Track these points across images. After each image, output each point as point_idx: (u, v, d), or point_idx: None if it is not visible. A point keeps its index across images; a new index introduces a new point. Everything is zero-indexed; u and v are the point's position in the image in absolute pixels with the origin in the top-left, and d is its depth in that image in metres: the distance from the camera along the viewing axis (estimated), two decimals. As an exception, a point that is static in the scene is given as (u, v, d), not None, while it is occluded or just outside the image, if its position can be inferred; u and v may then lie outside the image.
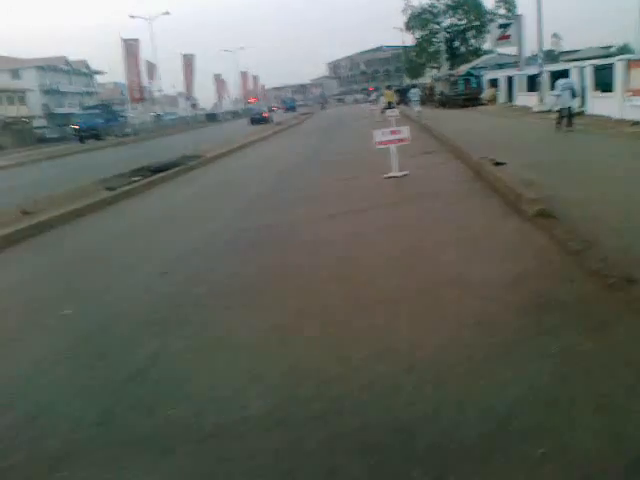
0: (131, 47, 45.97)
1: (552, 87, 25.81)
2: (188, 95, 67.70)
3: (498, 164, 10.51)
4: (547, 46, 60.54)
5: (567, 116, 15.89)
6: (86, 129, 44.34)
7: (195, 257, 6.86)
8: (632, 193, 7.30)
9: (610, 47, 70.01)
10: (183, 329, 4.54)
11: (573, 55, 57.99)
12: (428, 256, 5.69)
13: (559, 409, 2.82)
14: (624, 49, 65.18)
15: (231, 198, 11.14)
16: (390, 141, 11.04)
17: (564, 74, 24.08)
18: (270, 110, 64.60)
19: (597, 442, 2.54)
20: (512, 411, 2.86)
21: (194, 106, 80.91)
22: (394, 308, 4.39)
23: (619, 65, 18.16)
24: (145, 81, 53.93)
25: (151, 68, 56.97)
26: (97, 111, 48.71)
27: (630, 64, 17.59)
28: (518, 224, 6.37)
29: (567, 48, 79.22)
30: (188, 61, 62.40)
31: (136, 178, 16.51)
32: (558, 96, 16.20)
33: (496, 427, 2.75)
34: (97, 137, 44.25)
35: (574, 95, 16.26)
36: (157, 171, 17.58)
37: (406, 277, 5.11)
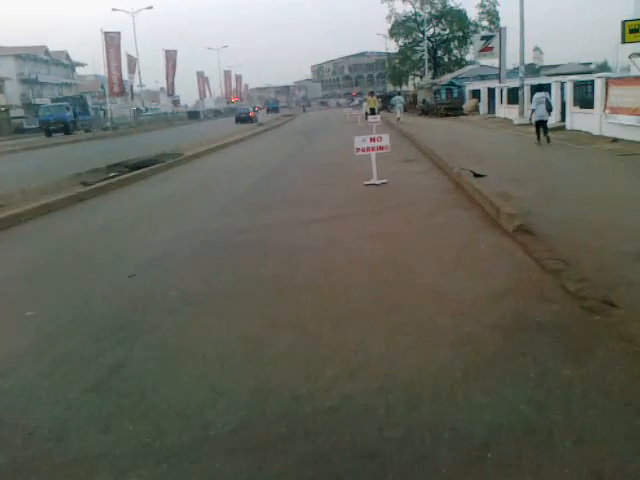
0: (112, 40, 45.28)
1: (531, 100, 26.35)
2: (170, 91, 67.02)
3: (478, 176, 10.51)
4: (528, 60, 61.51)
5: (543, 129, 16.38)
6: (53, 122, 42.65)
7: (166, 259, 6.65)
8: (611, 211, 7.30)
9: (590, 64, 71.42)
10: (149, 337, 4.35)
11: (554, 70, 58.99)
12: (405, 267, 5.58)
13: (537, 439, 2.71)
14: (603, 67, 66.54)
15: (206, 199, 10.94)
16: (370, 148, 10.95)
17: (545, 88, 24.39)
18: (254, 110, 65.56)
19: (576, 477, 2.44)
20: (488, 439, 2.74)
21: (175, 103, 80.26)
22: (368, 323, 4.26)
23: (599, 82, 18.38)
24: (125, 75, 53.24)
25: (132, 62, 56.19)
26: (66, 103, 46.63)
27: (609, 82, 17.81)
28: (496, 238, 6.31)
29: (548, 62, 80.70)
30: (170, 57, 61.78)
31: (112, 174, 16.23)
32: (533, 110, 16.68)
33: (471, 457, 2.63)
34: (66, 131, 42.57)
35: (549, 109, 16.66)
36: (134, 168, 17.28)
37: (382, 289, 4.98)
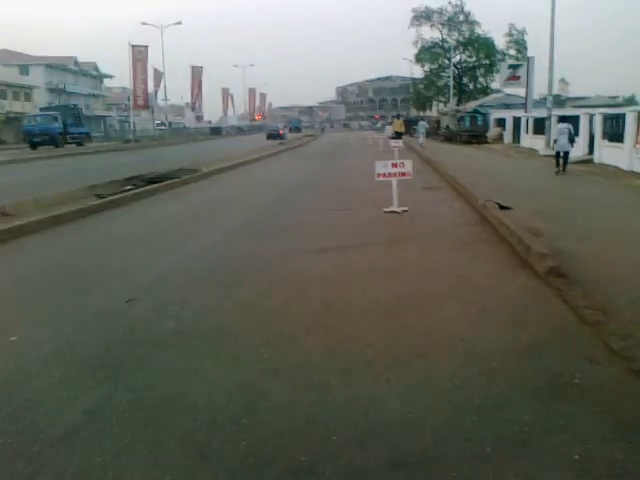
0: (140, 53, 45.74)
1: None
2: (193, 106, 67.55)
3: (503, 208, 9.98)
4: (554, 91, 60.83)
5: (564, 159, 16.49)
6: (38, 133, 38.05)
7: (168, 285, 6.21)
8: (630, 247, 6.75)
9: (617, 97, 70.70)
10: (135, 378, 3.88)
11: (580, 102, 58.38)
12: (425, 310, 5.05)
13: None
14: (630, 100, 65.75)
15: (218, 220, 10.50)
16: (391, 174, 10.50)
17: (569, 119, 23.85)
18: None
19: None
20: None
21: (199, 118, 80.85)
22: (383, 376, 3.74)
23: (631, 116, 17.79)
24: (150, 88, 53.71)
25: (158, 76, 56.73)
26: (55, 113, 41.56)
27: (641, 116, 17.22)
28: (526, 281, 5.77)
29: (573, 94, 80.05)
30: (196, 73, 62.35)
31: (128, 187, 15.97)
32: (556, 140, 16.95)
33: None
34: (54, 144, 38.21)
35: (572, 140, 16.76)
36: (150, 182, 17.04)
37: (398, 335, 4.46)
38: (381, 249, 7.59)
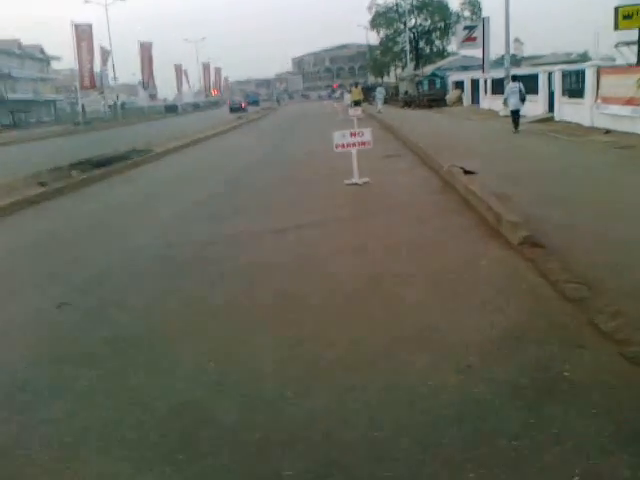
0: (83, 32, 43.44)
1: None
2: (146, 85, 65.19)
3: (468, 173, 9.52)
4: (509, 51, 60.54)
5: (516, 117, 17.04)
6: None
7: (106, 283, 5.55)
8: (625, 216, 6.34)
9: (570, 54, 70.95)
10: (53, 405, 3.27)
11: (536, 60, 58.35)
12: (393, 297, 4.52)
13: None
14: (584, 57, 66.10)
15: (168, 203, 9.79)
16: (351, 144, 9.90)
17: (532, 78, 23.54)
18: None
19: None
20: None
21: (152, 96, 78.28)
22: (345, 382, 3.22)
23: (590, 72, 17.50)
24: (98, 68, 51.55)
25: (105, 55, 54.38)
26: None
27: (601, 71, 16.94)
28: (500, 254, 5.30)
29: (528, 54, 79.94)
30: (145, 49, 59.91)
31: (74, 173, 15.01)
32: (506, 99, 17.62)
33: None
34: None
35: (523, 99, 17.27)
36: (99, 165, 16.08)
37: (363, 330, 3.93)
38: (343, 226, 7.04)
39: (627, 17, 15.80)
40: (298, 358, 3.59)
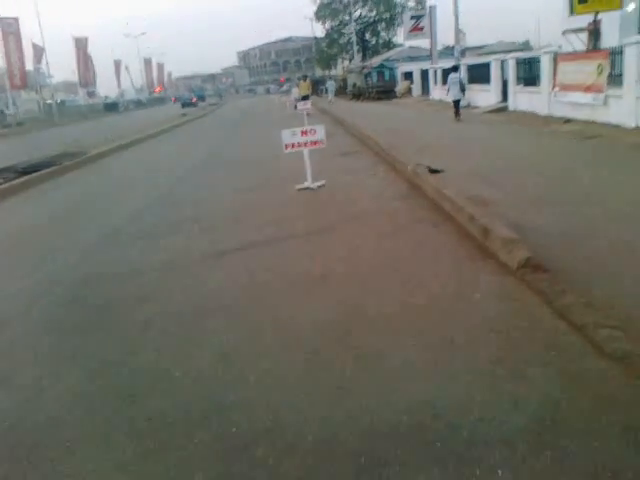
0: (9, 26, 40.26)
1: (470, 81, 24.85)
2: (83, 82, 61.95)
3: (434, 172, 8.54)
4: (452, 41, 60.42)
5: (456, 107, 17.60)
6: None
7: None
8: (625, 217, 5.42)
9: (515, 43, 71.76)
10: None
11: (481, 50, 58.46)
12: (370, 357, 3.36)
13: None
14: (527, 45, 66.91)
15: (93, 218, 8.38)
16: (302, 144, 8.73)
17: (484, 66, 22.91)
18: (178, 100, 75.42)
19: None
20: None
21: (90, 94, 74.73)
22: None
23: (546, 58, 16.89)
24: (30, 65, 48.31)
25: (38, 52, 51.14)
26: None
27: (558, 58, 16.32)
28: (496, 282, 4.23)
29: (471, 44, 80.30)
30: (81, 45, 56.76)
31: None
32: (448, 89, 18.04)
33: None
34: None
35: (462, 89, 18.07)
36: (24, 173, 14.39)
37: (337, 416, 2.79)
38: (297, 246, 5.86)
39: (583, 2, 15.15)
40: (232, 451, 2.42)
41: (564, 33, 23.83)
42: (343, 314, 3.95)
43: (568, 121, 14.75)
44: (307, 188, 8.78)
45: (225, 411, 2.94)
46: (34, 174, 14.02)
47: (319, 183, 8.85)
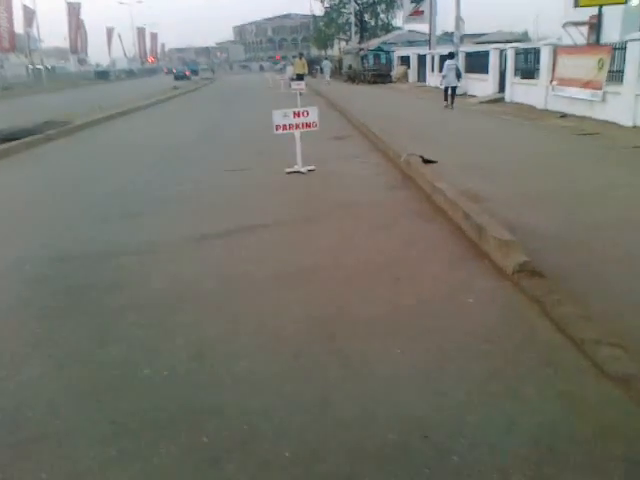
0: (-1, -14, 39.27)
1: (467, 70, 24.51)
2: (74, 48, 60.63)
3: (427, 162, 8.31)
4: (451, 28, 59.75)
5: (451, 95, 17.76)
6: None
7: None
8: (631, 220, 5.24)
9: (515, 33, 71.24)
10: None
11: (479, 38, 57.96)
12: (349, 361, 3.14)
13: None
14: (525, 36, 66.50)
15: (72, 194, 8.03)
16: (293, 125, 8.43)
17: (483, 56, 22.57)
18: (170, 72, 74.26)
19: None
20: None
21: (82, 61, 73.25)
22: None
23: (546, 51, 16.59)
24: (20, 28, 47.08)
25: (29, 14, 49.83)
26: None
27: (558, 51, 16.04)
28: (490, 287, 4.01)
29: (469, 32, 79.55)
30: (73, 10, 55.41)
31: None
32: (444, 76, 17.93)
33: None
34: None
35: (459, 76, 18.12)
36: (5, 140, 13.92)
37: (310, 419, 2.58)
38: (282, 234, 5.61)
39: (588, -6, 14.86)
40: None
41: (564, 26, 23.54)
42: (328, 313, 3.72)
43: (564, 116, 14.56)
44: (297, 172, 8.51)
45: (196, 417, 2.71)
46: (18, 141, 13.58)
47: (309, 167, 8.58)
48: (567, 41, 20.94)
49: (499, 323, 3.46)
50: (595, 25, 18.07)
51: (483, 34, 69.83)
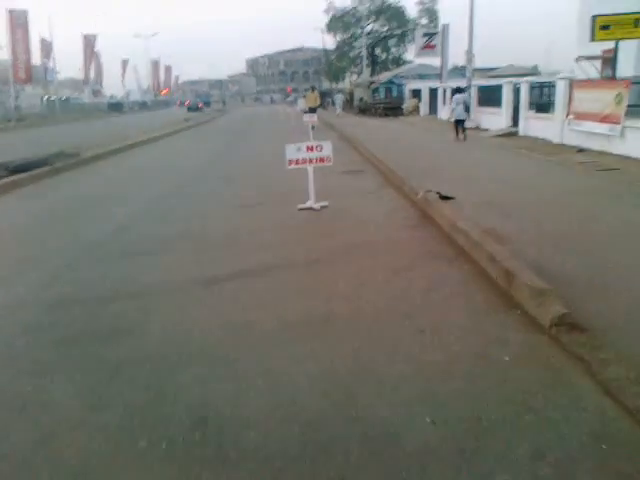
0: (18, 18, 39.88)
1: (480, 103, 24.43)
2: (87, 80, 61.55)
3: (444, 198, 7.99)
4: (461, 62, 60.18)
5: (461, 128, 17.96)
6: None
7: None
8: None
9: (523, 67, 71.70)
10: None
11: (491, 72, 58.33)
12: (373, 433, 2.74)
13: None
14: (534, 70, 66.94)
15: (75, 231, 7.74)
16: (307, 160, 8.17)
17: (495, 89, 22.48)
18: (183, 104, 77.26)
19: None
20: None
21: (96, 93, 74.34)
22: None
23: (561, 84, 16.40)
24: (37, 60, 47.84)
25: (46, 46, 50.72)
26: None
27: (573, 85, 15.84)
28: (526, 342, 3.62)
29: (479, 66, 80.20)
30: (89, 42, 56.38)
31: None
32: (453, 109, 18.20)
33: None
34: None
35: (467, 109, 18.66)
36: (16, 171, 13.81)
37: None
38: (295, 278, 5.25)
39: (604, 28, 14.70)
40: None
41: (577, 60, 23.40)
42: (346, 372, 3.35)
43: (581, 150, 14.26)
44: (309, 208, 8.22)
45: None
46: (25, 173, 13.46)
47: (322, 203, 8.29)
48: (580, 75, 20.78)
49: (541, 387, 3.06)
50: (609, 59, 17.92)
51: (494, 68, 70.36)
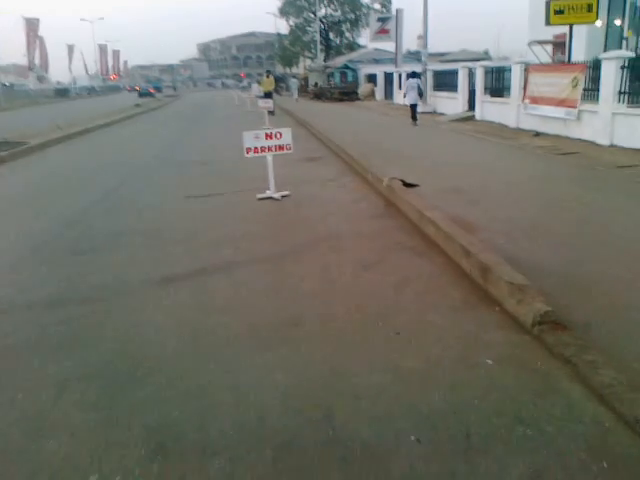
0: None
1: (436, 88, 24.39)
2: (32, 66, 58.89)
3: (408, 185, 7.78)
4: (414, 47, 60.40)
5: (413, 112, 18.07)
6: None
7: None
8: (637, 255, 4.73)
9: (476, 52, 72.48)
10: None
11: (444, 57, 58.68)
12: (352, 454, 2.47)
13: None
14: (485, 55, 67.74)
15: (17, 225, 7.20)
16: (265, 148, 7.80)
17: (451, 74, 22.45)
18: (134, 89, 77.67)
19: None
20: None
21: (41, 79, 71.31)
22: None
23: (517, 69, 16.44)
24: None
25: (-16, 30, 48.14)
26: None
27: (529, 69, 15.88)
28: (508, 343, 3.41)
29: (431, 51, 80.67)
30: (32, 26, 53.79)
31: None
32: (405, 94, 18.42)
33: None
34: None
35: (420, 94, 18.59)
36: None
37: None
38: (256, 275, 4.91)
39: (559, 12, 14.74)
40: None
41: (529, 44, 23.59)
42: (320, 384, 3.06)
43: (538, 134, 14.32)
44: (269, 198, 7.86)
45: None
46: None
47: (283, 193, 7.95)
48: (532, 59, 20.95)
49: (530, 395, 2.84)
50: (561, 44, 18.06)
51: (447, 53, 70.91)
